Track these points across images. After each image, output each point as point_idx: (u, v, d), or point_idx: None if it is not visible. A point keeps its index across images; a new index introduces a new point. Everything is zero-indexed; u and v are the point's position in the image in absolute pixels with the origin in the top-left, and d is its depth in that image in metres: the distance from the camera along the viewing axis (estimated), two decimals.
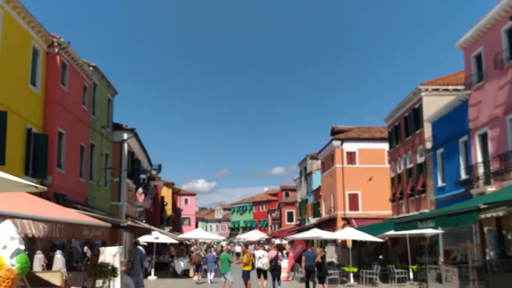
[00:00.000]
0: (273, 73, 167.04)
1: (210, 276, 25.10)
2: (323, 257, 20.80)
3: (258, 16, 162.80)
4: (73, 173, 21.90)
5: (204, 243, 58.74)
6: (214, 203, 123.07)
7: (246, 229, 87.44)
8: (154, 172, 44.94)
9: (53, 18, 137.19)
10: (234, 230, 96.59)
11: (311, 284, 19.85)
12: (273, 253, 20.71)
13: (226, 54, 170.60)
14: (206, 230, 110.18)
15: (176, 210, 68.24)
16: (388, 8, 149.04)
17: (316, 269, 20.13)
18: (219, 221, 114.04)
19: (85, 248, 20.87)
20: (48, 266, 16.20)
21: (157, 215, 44.56)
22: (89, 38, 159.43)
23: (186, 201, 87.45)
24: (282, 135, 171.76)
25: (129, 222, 18.64)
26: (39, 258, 15.80)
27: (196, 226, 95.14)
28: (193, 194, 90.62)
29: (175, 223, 64.97)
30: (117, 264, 15.14)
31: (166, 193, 61.03)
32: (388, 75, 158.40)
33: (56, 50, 20.12)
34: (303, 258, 20.02)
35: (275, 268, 19.97)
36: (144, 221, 38.30)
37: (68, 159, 21.23)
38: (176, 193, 69.30)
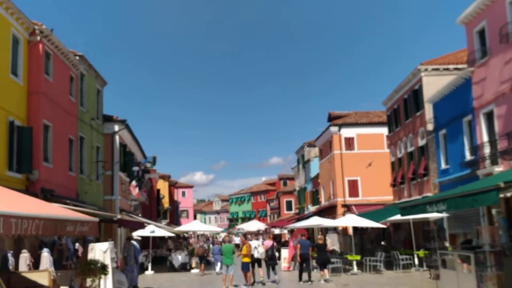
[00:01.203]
0: (268, 58, 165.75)
1: (218, 267, 24.54)
2: (324, 244, 20.79)
3: (252, 1, 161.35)
4: (61, 167, 20.95)
5: (203, 235, 58.06)
6: (212, 195, 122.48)
7: (245, 219, 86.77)
8: (148, 165, 44.01)
9: (36, 6, 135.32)
10: (233, 221, 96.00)
11: (306, 272, 19.76)
12: (269, 242, 20.98)
13: (220, 42, 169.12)
14: (204, 222, 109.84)
15: (174, 203, 67.42)
16: None
17: (316, 255, 20.44)
18: (217, 212, 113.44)
19: (77, 244, 19.97)
20: (36, 265, 15.30)
21: (154, 209, 43.68)
22: (77, 28, 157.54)
23: (183, 193, 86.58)
24: (278, 125, 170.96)
25: (118, 216, 17.70)
26: (24, 257, 14.89)
27: (195, 219, 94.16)
28: (190, 187, 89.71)
29: (173, 216, 64.18)
30: (107, 261, 14.26)
31: (162, 186, 60.17)
32: (384, 57, 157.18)
33: (38, 38, 19.08)
34: (298, 246, 20.14)
35: (271, 258, 19.91)
36: (140, 215, 37.45)
37: (56, 153, 20.27)
38: (173, 185, 68.44)
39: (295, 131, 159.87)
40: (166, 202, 60.97)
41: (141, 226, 21.12)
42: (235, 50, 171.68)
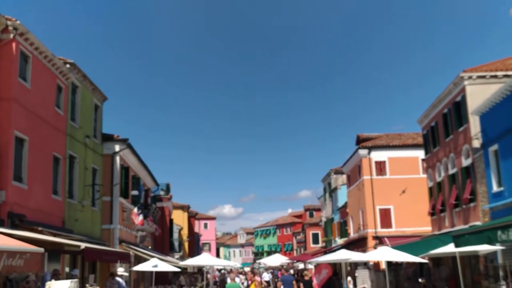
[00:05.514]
0: (297, 85, 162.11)
1: None
2: (309, 281, 20.56)
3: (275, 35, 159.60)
4: (41, 189, 17.81)
5: (222, 269, 54.20)
6: (239, 228, 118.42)
7: (271, 253, 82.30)
8: (162, 193, 40.88)
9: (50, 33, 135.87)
10: (258, 255, 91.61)
11: None
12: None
13: (241, 74, 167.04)
14: (228, 255, 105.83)
15: (194, 235, 63.92)
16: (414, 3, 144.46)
17: None
18: (242, 246, 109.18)
19: (52, 281, 16.63)
20: None
21: (166, 240, 40.22)
22: (91, 40, 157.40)
23: (205, 225, 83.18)
24: (309, 158, 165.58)
25: (83, 245, 14.29)
26: None
27: (217, 252, 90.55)
28: (212, 218, 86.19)
29: (192, 248, 60.64)
30: None
31: (181, 217, 57.09)
32: (413, 76, 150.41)
33: (12, 35, 16.24)
34: (280, 283, 19.70)
35: None
36: (150, 247, 34.25)
37: (33, 172, 17.15)
38: (193, 217, 65.08)
39: (325, 162, 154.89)
40: (185, 234, 57.70)
41: (125, 258, 17.47)
42: (264, 89, 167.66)
